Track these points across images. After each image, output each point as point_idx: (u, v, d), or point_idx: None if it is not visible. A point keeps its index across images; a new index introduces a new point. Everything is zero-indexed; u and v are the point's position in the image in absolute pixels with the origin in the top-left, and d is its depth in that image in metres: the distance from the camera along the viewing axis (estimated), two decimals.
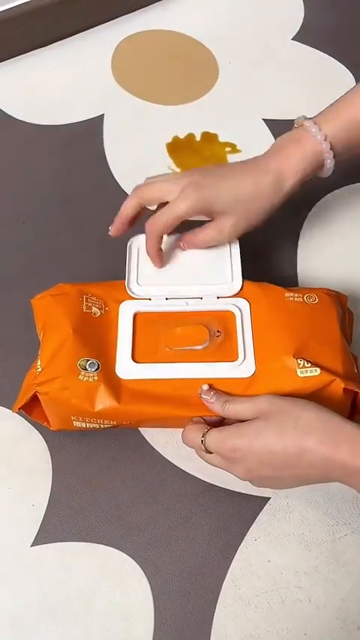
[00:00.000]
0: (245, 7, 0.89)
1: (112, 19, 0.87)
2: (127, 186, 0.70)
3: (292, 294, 0.52)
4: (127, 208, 0.53)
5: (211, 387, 0.48)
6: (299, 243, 0.66)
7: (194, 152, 0.73)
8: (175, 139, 0.75)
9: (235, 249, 0.55)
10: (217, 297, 0.53)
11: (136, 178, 0.70)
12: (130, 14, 0.87)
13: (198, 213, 0.50)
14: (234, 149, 0.73)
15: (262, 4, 0.89)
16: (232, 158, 0.73)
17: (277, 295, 0.52)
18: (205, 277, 0.54)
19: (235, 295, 0.53)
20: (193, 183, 0.50)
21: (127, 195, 0.55)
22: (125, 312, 0.52)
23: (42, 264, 0.65)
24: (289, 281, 0.63)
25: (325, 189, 0.70)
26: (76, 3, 0.82)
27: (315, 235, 0.67)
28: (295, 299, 0.52)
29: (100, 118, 0.77)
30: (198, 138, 0.75)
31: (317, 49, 0.84)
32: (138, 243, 0.56)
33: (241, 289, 0.53)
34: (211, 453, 0.45)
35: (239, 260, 0.54)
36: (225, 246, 0.55)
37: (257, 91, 0.80)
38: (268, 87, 0.80)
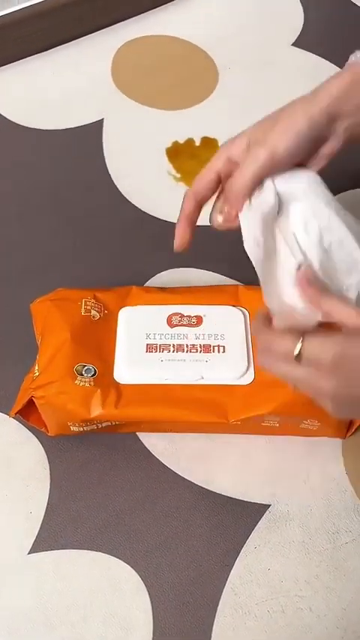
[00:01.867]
0: (245, 12, 0.89)
1: (112, 25, 0.87)
2: (126, 191, 0.70)
3: None
4: (187, 207, 0.48)
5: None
6: None
7: (193, 157, 0.73)
8: (175, 143, 0.74)
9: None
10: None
11: (135, 183, 0.70)
12: (129, 19, 0.87)
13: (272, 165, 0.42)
14: None
15: (261, 10, 0.89)
16: None
17: None
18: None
19: (235, 304, 0.53)
20: (253, 142, 0.44)
21: (126, 199, 0.55)
22: (125, 319, 0.52)
23: (41, 268, 0.64)
24: None
25: None
26: (75, 8, 0.82)
27: None
28: None
29: (99, 123, 0.77)
30: (197, 143, 0.75)
31: (317, 54, 0.84)
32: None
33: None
34: (302, 361, 0.38)
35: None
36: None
37: (257, 96, 0.79)
38: (267, 92, 0.80)
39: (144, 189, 0.70)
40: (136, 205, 0.69)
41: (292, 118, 0.43)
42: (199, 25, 0.87)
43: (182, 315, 0.52)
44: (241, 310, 0.53)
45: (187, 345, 0.50)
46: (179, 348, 0.50)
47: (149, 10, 0.88)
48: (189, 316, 0.52)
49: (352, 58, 0.46)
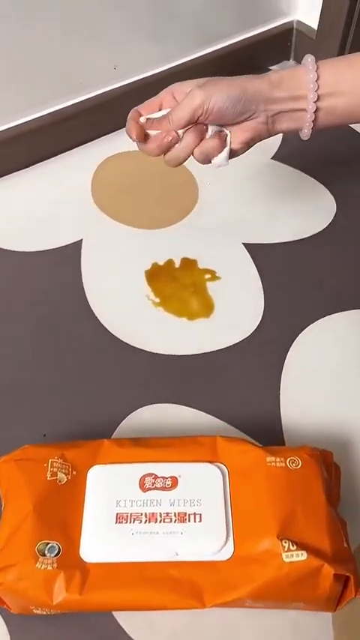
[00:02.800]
0: None
1: (93, 140, 0.88)
2: (104, 318, 0.68)
3: (273, 459, 0.48)
4: (132, 116, 0.57)
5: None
6: (282, 380, 0.63)
7: (173, 280, 0.71)
8: (154, 265, 0.73)
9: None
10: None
11: (113, 310, 0.68)
12: (109, 135, 0.88)
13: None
14: (213, 276, 0.72)
15: None
16: (211, 286, 0.71)
17: (257, 460, 0.48)
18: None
19: (213, 460, 0.49)
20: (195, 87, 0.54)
21: (103, 326, 0.60)
22: (94, 479, 0.49)
23: (12, 403, 0.61)
24: (271, 424, 0.59)
25: (308, 319, 0.68)
26: (55, 127, 0.83)
27: (298, 371, 0.64)
28: (277, 464, 0.48)
29: (78, 244, 0.75)
30: (177, 264, 0.73)
31: (297, 168, 0.84)
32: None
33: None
34: None
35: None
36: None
37: (237, 214, 0.79)
38: (248, 208, 0.79)
39: (122, 316, 0.68)
40: (114, 334, 0.67)
41: (232, 83, 0.53)
42: None
43: (156, 477, 0.49)
44: (219, 467, 0.49)
45: (160, 514, 0.46)
46: (152, 517, 0.46)
47: None
48: (163, 477, 0.48)
49: (308, 59, 0.54)
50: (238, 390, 0.62)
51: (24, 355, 0.65)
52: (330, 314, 0.68)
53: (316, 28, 0.92)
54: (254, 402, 0.61)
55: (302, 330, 0.67)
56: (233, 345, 0.66)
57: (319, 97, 0.53)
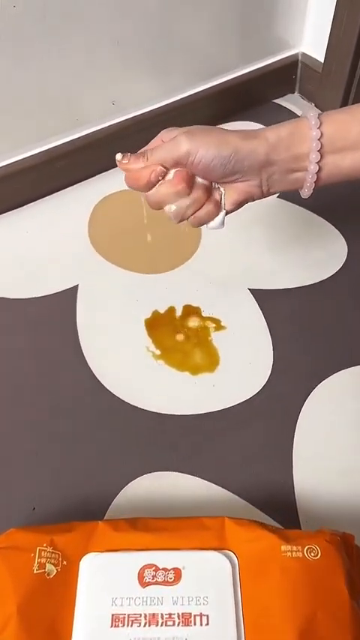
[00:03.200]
0: None
1: (89, 178, 0.83)
2: (100, 373, 0.63)
3: (289, 548, 0.43)
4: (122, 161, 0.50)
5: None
6: (294, 442, 0.58)
7: (175, 330, 0.66)
8: (155, 313, 0.68)
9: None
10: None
11: (110, 364, 0.63)
12: (107, 172, 0.84)
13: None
14: (218, 325, 0.67)
15: None
16: (216, 336, 0.66)
17: (271, 549, 0.43)
18: None
19: (221, 547, 0.44)
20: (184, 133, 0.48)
21: (100, 383, 0.56)
22: (87, 571, 0.43)
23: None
24: (283, 494, 0.54)
25: (323, 372, 0.63)
26: (50, 165, 0.79)
27: (312, 432, 0.58)
28: (294, 554, 0.43)
29: (73, 290, 0.71)
30: (179, 312, 0.68)
31: (305, 207, 0.80)
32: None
33: None
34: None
35: None
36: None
37: (243, 257, 0.74)
38: (254, 251, 0.75)
39: (120, 371, 0.63)
40: (111, 391, 0.61)
41: (224, 139, 0.46)
42: None
43: (157, 568, 0.43)
44: (227, 556, 0.44)
45: (162, 615, 0.41)
46: (152, 619, 0.41)
47: None
48: (165, 569, 0.43)
49: (310, 113, 0.48)
50: (247, 456, 0.57)
51: (12, 417, 0.60)
52: (346, 367, 0.63)
53: (322, 60, 0.89)
54: (264, 470, 0.56)
55: (316, 385, 0.61)
56: (240, 403, 0.60)
57: (322, 155, 0.47)
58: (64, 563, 0.44)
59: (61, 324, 0.67)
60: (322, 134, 0.47)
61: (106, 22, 0.70)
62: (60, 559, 0.44)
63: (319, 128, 0.47)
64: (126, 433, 0.58)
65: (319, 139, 0.47)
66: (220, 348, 0.65)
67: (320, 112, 0.49)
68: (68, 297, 0.70)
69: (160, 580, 0.43)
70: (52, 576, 0.43)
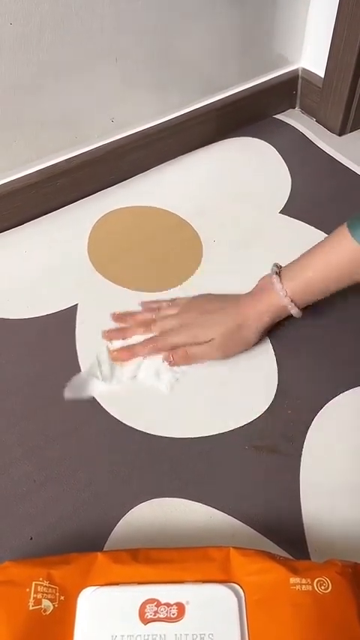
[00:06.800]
0: (231, 180, 0.85)
1: (89, 196, 0.82)
2: (104, 402, 0.61)
3: (298, 580, 0.41)
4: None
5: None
6: (301, 466, 0.56)
7: None
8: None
9: None
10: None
11: (112, 393, 0.61)
12: (106, 189, 0.83)
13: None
14: None
15: (247, 177, 0.85)
16: None
17: (279, 582, 0.41)
18: None
19: (226, 580, 0.42)
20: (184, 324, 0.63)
21: (100, 406, 0.56)
22: (86, 607, 0.41)
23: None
24: (291, 519, 0.52)
25: (328, 394, 0.61)
26: (49, 183, 0.78)
27: (319, 456, 0.56)
28: (303, 587, 0.40)
29: (72, 310, 0.69)
30: None
31: (306, 222, 0.78)
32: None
33: None
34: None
35: None
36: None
37: (244, 274, 0.72)
38: (255, 267, 0.73)
39: (121, 394, 0.61)
40: (112, 414, 0.60)
41: (247, 341, 0.63)
42: (182, 195, 0.82)
43: (159, 603, 0.41)
44: (232, 590, 0.42)
45: None
46: None
47: (128, 178, 0.84)
48: (167, 604, 0.41)
49: (273, 280, 0.62)
50: (252, 481, 0.54)
51: (9, 441, 0.58)
52: (350, 388, 0.61)
53: (322, 75, 0.88)
54: (270, 495, 0.53)
55: (321, 407, 0.60)
56: (245, 425, 0.59)
57: (293, 301, 0.61)
58: (62, 598, 0.42)
59: (60, 344, 0.66)
60: (286, 292, 0.60)
61: (105, 39, 0.70)
62: (57, 594, 0.42)
63: (286, 295, 0.60)
64: (126, 456, 0.56)
65: (286, 296, 0.60)
66: (223, 369, 0.63)
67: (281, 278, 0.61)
68: (67, 317, 0.68)
69: (162, 616, 0.40)
70: (48, 613, 0.41)
